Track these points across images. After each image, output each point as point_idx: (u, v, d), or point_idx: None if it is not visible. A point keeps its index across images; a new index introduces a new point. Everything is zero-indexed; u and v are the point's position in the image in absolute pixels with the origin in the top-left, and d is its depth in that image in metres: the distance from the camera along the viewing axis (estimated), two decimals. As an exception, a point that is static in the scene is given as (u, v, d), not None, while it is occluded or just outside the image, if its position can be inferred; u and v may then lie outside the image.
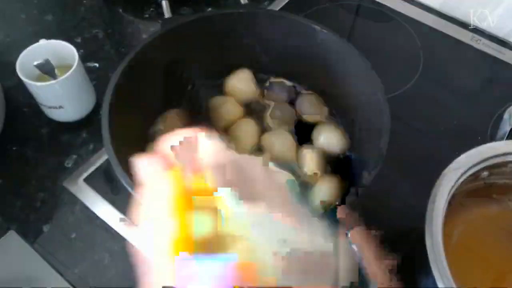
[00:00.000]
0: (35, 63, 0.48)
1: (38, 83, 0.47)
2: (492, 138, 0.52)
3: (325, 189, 0.44)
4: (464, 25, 0.67)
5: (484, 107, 0.58)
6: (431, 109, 0.58)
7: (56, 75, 0.50)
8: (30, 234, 0.47)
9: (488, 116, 0.56)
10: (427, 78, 0.61)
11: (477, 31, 0.66)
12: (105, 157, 0.52)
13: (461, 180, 0.39)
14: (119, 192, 0.50)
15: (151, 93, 0.48)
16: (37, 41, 0.53)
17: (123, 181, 0.36)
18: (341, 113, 0.51)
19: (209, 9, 0.69)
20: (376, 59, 0.61)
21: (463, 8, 0.66)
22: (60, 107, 0.51)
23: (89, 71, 0.57)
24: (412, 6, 0.70)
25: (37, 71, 0.50)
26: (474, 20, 0.66)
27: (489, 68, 0.63)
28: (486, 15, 0.65)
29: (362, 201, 0.39)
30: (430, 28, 0.67)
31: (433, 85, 0.61)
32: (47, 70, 0.49)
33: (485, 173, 0.42)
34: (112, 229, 0.47)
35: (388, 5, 0.70)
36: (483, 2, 0.64)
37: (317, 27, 0.47)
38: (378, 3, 0.70)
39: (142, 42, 0.45)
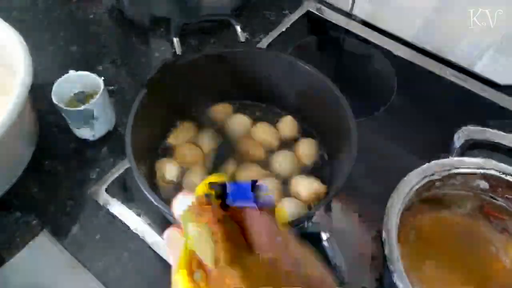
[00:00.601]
0: (72, 94, 0.58)
1: (71, 108, 0.57)
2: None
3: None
4: (434, 56, 0.77)
5: (447, 128, 0.67)
6: (402, 128, 0.68)
7: (85, 101, 0.59)
8: (61, 234, 0.56)
9: (449, 136, 0.65)
10: (400, 102, 0.71)
11: (444, 62, 0.76)
12: (122, 169, 0.61)
13: (416, 187, 0.49)
14: (133, 199, 0.59)
15: (163, 112, 0.58)
16: (66, 69, 0.62)
17: (143, 187, 0.45)
18: (317, 132, 0.61)
19: (212, 40, 0.79)
20: (356, 86, 0.72)
21: (433, 42, 0.77)
22: (87, 127, 0.60)
23: (109, 93, 0.66)
24: (389, 40, 0.80)
25: (68, 97, 0.60)
26: (442, 52, 0.76)
27: (454, 95, 0.73)
28: (452, 48, 0.75)
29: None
30: (403, 59, 0.77)
31: (405, 108, 0.70)
32: (79, 98, 0.58)
33: (438, 183, 0.52)
34: (129, 230, 0.56)
35: (369, 38, 0.80)
36: (449, 37, 0.74)
37: (300, 63, 0.56)
38: (360, 36, 0.81)
39: (155, 71, 0.54)
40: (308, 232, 0.45)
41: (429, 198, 0.52)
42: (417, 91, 0.73)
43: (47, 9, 0.84)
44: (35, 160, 0.61)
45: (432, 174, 0.49)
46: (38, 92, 0.65)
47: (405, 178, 0.48)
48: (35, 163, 0.61)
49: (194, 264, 0.25)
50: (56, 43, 0.78)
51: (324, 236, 0.43)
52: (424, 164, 0.51)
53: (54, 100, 0.57)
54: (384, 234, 0.45)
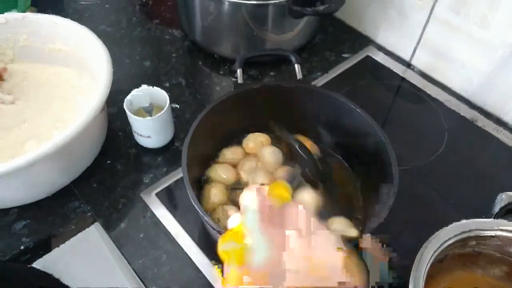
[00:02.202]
0: (143, 105, 0.65)
1: (138, 118, 0.64)
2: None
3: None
4: (488, 115, 0.77)
5: (491, 188, 0.66)
6: (446, 182, 0.68)
7: (152, 113, 0.66)
8: (111, 228, 0.62)
9: (492, 196, 0.65)
10: (447, 156, 0.71)
11: (499, 122, 0.76)
12: (174, 179, 0.67)
13: (450, 241, 0.49)
14: (178, 207, 0.64)
15: (214, 135, 0.63)
16: (137, 81, 0.69)
17: (190, 195, 0.50)
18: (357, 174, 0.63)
19: (272, 73, 0.84)
20: (406, 134, 0.73)
21: (489, 101, 0.77)
22: (148, 136, 0.67)
23: (172, 110, 0.73)
24: (445, 93, 0.81)
25: (137, 107, 0.67)
26: (498, 112, 0.76)
27: (504, 156, 0.72)
28: (510, 109, 0.75)
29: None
30: (457, 113, 0.78)
31: (451, 163, 0.71)
32: (148, 110, 0.65)
33: (473, 242, 0.52)
34: (170, 234, 0.61)
35: (425, 89, 0.82)
36: (507, 98, 0.74)
37: (351, 105, 0.59)
38: (416, 86, 0.82)
39: (217, 100, 0.60)
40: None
41: (463, 255, 0.52)
42: (467, 147, 0.73)
43: (129, 26, 0.94)
44: (99, 158, 0.68)
45: (469, 231, 0.49)
46: (111, 98, 0.74)
47: (441, 231, 0.49)
48: (99, 161, 0.68)
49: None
50: (133, 57, 0.87)
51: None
52: (463, 220, 0.51)
53: (126, 108, 0.64)
54: (411, 283, 0.46)
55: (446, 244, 0.49)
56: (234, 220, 0.37)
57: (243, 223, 0.35)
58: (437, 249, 0.48)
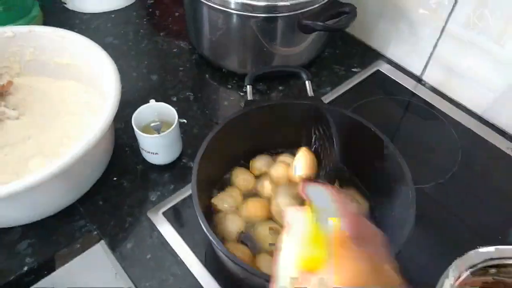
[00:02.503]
0: (152, 124, 0.64)
1: (146, 135, 0.62)
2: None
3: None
4: (502, 132, 0.75)
5: (509, 209, 0.65)
6: (460, 204, 0.66)
7: (160, 130, 0.65)
8: (116, 248, 0.60)
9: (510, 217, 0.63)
10: (461, 176, 0.69)
11: (514, 140, 0.74)
12: (181, 197, 0.65)
13: (468, 271, 0.47)
14: (185, 227, 0.62)
15: (225, 153, 0.61)
16: (144, 94, 0.68)
17: (199, 215, 0.48)
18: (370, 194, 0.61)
19: (280, 87, 0.83)
20: (418, 151, 0.72)
21: (502, 118, 0.75)
22: (156, 153, 0.65)
23: (179, 125, 0.72)
24: (457, 110, 0.79)
25: (145, 123, 0.66)
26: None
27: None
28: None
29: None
30: (471, 131, 0.76)
31: (466, 183, 0.69)
32: (156, 128, 0.64)
33: (493, 270, 0.50)
34: (178, 256, 0.59)
35: (436, 105, 0.80)
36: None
37: (363, 122, 0.58)
38: (428, 102, 0.81)
39: (227, 119, 0.58)
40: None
41: (484, 283, 0.50)
42: (482, 166, 0.72)
43: (136, 38, 0.93)
44: (105, 175, 0.67)
45: (491, 259, 0.47)
46: (118, 112, 0.72)
47: (460, 260, 0.47)
48: (105, 177, 0.67)
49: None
50: (140, 70, 0.86)
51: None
52: (483, 246, 0.49)
53: (133, 125, 0.63)
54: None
55: (465, 274, 0.47)
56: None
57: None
58: (456, 278, 0.46)
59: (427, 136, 0.76)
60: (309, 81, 0.65)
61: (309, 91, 0.64)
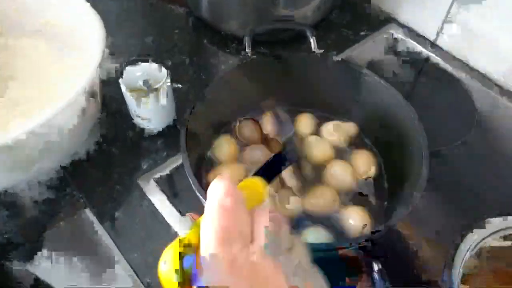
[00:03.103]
0: (139, 82, 0.59)
1: (135, 97, 0.57)
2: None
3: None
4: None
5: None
6: (475, 169, 0.61)
7: (150, 93, 0.60)
8: (104, 216, 0.56)
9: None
10: (477, 140, 0.64)
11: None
12: (174, 165, 0.61)
13: (489, 238, 0.43)
14: (178, 196, 0.58)
15: (223, 110, 0.57)
16: (137, 58, 0.63)
17: (193, 184, 0.44)
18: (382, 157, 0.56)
19: (285, 51, 0.78)
20: (432, 113, 0.66)
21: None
22: (147, 118, 0.60)
23: (173, 90, 0.67)
24: (474, 75, 0.73)
25: (135, 86, 0.61)
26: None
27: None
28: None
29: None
30: (490, 95, 0.70)
31: (482, 148, 0.63)
32: (145, 85, 0.59)
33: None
34: (169, 225, 0.55)
35: (451, 71, 0.74)
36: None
37: (375, 77, 0.53)
38: (442, 68, 0.75)
39: (220, 75, 0.54)
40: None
41: (501, 249, 0.46)
42: (498, 132, 0.66)
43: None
44: (93, 141, 0.62)
45: (506, 229, 0.43)
46: (108, 76, 0.68)
47: (482, 224, 0.42)
48: (93, 144, 0.62)
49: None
50: (133, 32, 0.80)
51: (375, 266, 0.39)
52: (494, 214, 0.44)
53: (122, 86, 0.58)
54: (445, 279, 0.40)
55: (486, 240, 0.42)
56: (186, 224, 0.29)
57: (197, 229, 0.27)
58: (476, 245, 0.42)
59: (442, 100, 0.70)
60: (314, 38, 0.59)
61: (314, 47, 0.58)
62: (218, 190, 0.27)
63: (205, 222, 0.27)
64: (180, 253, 0.26)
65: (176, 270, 0.26)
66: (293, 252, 0.27)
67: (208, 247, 0.25)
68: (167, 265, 0.26)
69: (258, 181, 0.32)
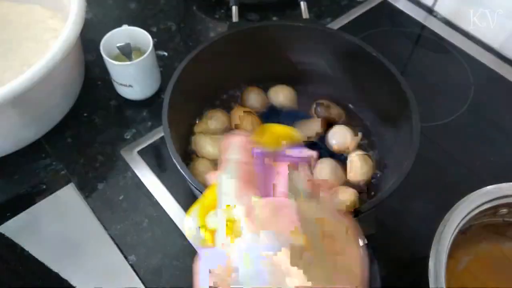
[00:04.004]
0: (118, 44, 0.55)
1: (116, 62, 0.55)
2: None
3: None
4: (521, 68, 0.67)
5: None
6: (470, 142, 0.60)
7: (132, 58, 0.57)
8: (86, 189, 0.54)
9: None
10: (473, 113, 0.62)
11: (533, 76, 0.66)
12: (159, 135, 0.59)
13: (476, 211, 0.41)
14: (163, 168, 0.56)
15: (203, 88, 0.54)
16: (120, 25, 0.60)
17: (174, 157, 0.42)
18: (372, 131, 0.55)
19: (274, 18, 0.74)
20: (426, 86, 0.64)
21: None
22: (130, 86, 0.58)
23: (159, 58, 0.64)
24: (472, 43, 0.70)
25: (116, 52, 0.58)
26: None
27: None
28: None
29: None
30: (486, 66, 0.68)
31: (478, 121, 0.62)
32: (125, 52, 0.56)
33: (504, 210, 0.44)
34: (153, 198, 0.53)
35: (448, 38, 0.71)
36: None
37: (367, 49, 0.50)
38: (439, 35, 0.72)
39: (206, 43, 0.50)
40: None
41: (491, 224, 0.45)
42: (494, 104, 0.64)
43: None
44: (75, 110, 0.60)
45: (503, 197, 0.41)
46: (90, 43, 0.64)
47: (469, 196, 0.41)
48: (74, 113, 0.60)
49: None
50: (118, -3, 0.76)
51: (360, 242, 0.38)
52: (492, 184, 0.43)
53: (102, 52, 0.55)
54: (432, 257, 0.38)
55: (474, 213, 0.41)
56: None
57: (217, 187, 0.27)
58: (464, 218, 0.41)
59: (438, 72, 0.68)
60: (305, 2, 0.56)
61: (304, 13, 0.55)
62: (235, 144, 0.28)
63: (222, 177, 0.26)
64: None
65: (202, 227, 0.27)
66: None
67: (226, 200, 0.25)
68: (194, 222, 0.27)
69: (276, 126, 0.34)
